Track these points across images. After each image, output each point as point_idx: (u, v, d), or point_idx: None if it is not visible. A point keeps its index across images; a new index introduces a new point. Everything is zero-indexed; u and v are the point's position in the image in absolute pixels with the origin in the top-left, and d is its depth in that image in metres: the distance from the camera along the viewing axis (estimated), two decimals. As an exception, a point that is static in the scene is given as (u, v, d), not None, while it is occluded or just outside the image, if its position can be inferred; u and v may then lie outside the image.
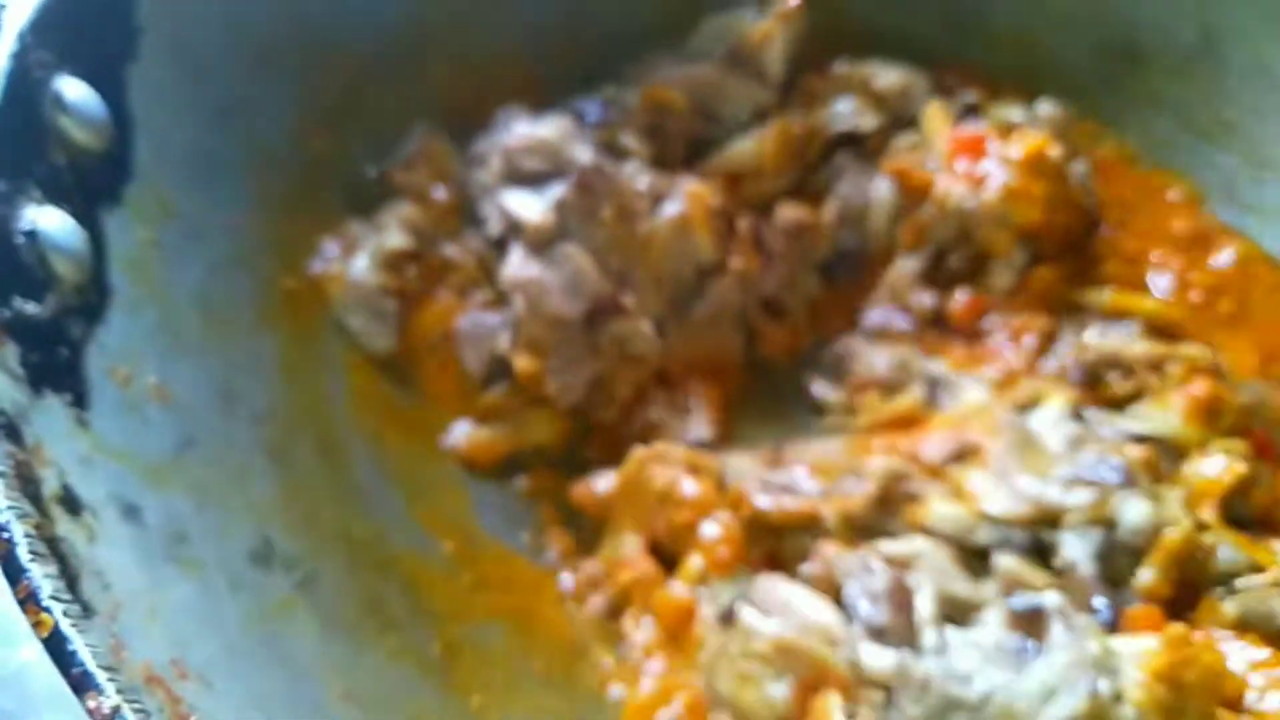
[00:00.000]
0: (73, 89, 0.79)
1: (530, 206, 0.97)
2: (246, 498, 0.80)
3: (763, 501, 0.87)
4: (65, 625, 0.58)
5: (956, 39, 1.18)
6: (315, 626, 0.76)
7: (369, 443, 0.92)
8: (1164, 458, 0.87)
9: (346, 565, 0.83)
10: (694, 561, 0.86)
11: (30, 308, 0.72)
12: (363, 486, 0.89)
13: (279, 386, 0.89)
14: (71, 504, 0.65)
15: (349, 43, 1.00)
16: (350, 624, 0.79)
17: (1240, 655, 0.77)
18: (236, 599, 0.72)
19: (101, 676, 0.58)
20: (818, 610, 0.79)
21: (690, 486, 0.88)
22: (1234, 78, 1.12)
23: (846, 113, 1.09)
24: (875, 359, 0.99)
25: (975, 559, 0.84)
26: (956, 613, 0.80)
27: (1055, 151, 1.01)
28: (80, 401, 0.72)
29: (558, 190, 0.97)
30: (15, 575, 0.59)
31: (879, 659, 0.76)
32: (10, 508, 0.61)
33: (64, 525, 0.63)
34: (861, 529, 0.86)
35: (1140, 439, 0.88)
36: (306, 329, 0.94)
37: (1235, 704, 0.74)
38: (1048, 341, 0.98)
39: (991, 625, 0.78)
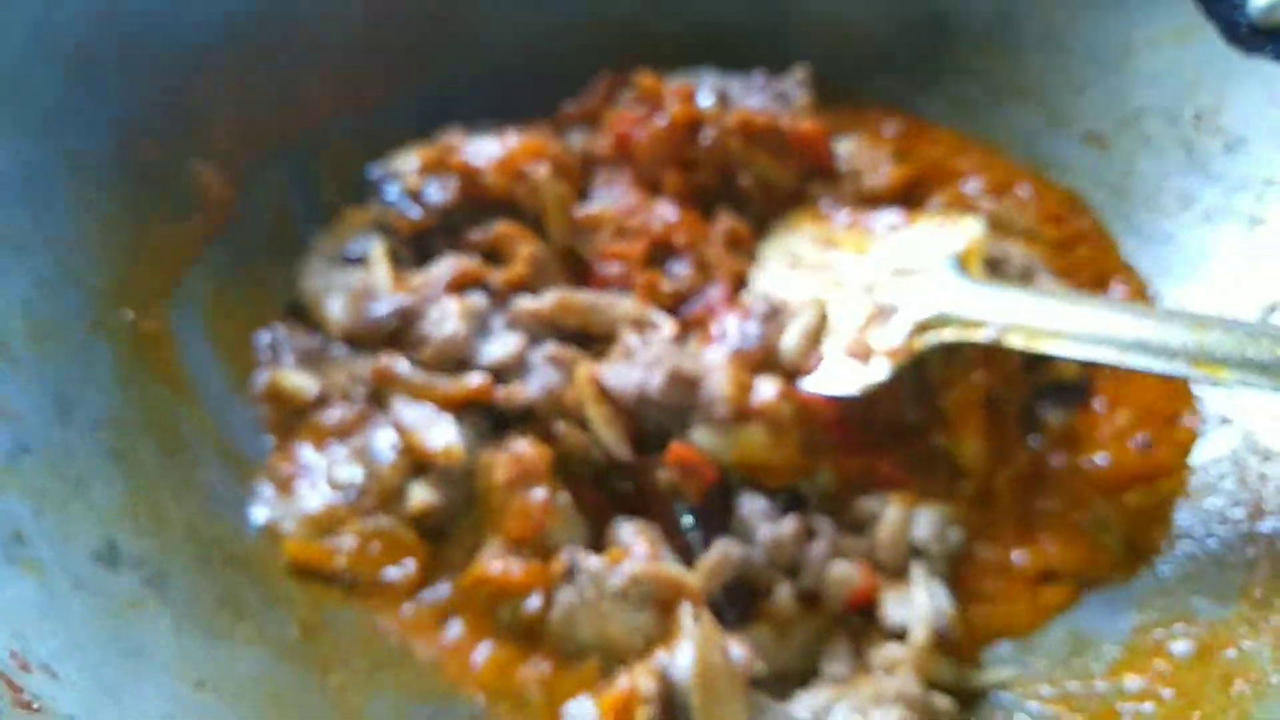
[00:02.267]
0: None
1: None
2: (88, 502, 0.80)
3: None
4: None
5: (771, 28, 1.25)
6: (167, 621, 0.77)
7: (213, 444, 0.92)
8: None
9: (197, 562, 0.83)
10: None
11: None
12: (210, 485, 0.90)
13: (117, 392, 0.89)
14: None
15: (166, 46, 0.99)
16: (203, 617, 0.79)
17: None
18: (81, 597, 0.72)
19: (-63, 670, 0.59)
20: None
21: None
22: (1030, 47, 1.21)
23: None
24: None
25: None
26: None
27: None
28: (-105, 413, 0.71)
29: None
30: None
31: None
32: None
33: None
34: None
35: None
36: (143, 338, 0.93)
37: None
38: None
39: None
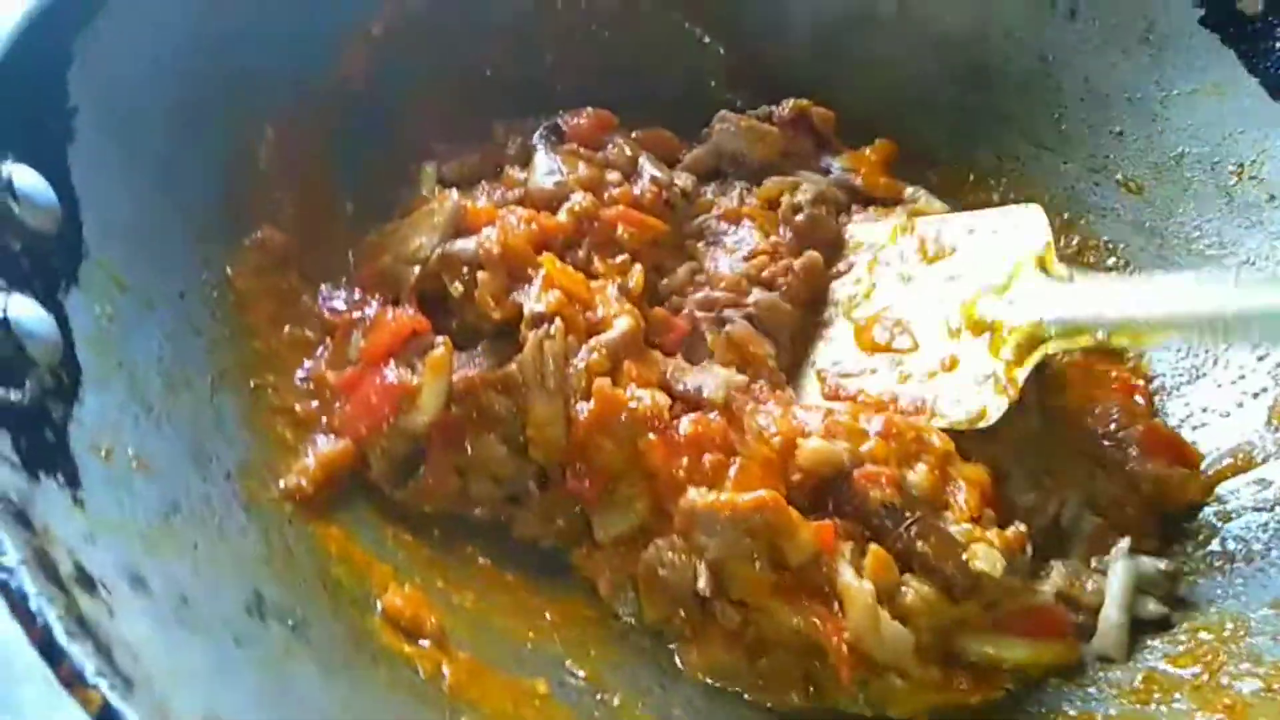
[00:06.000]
0: (21, 175, 0.81)
1: None
2: (233, 553, 0.84)
3: None
4: (114, 699, 0.62)
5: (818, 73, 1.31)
6: (315, 668, 0.81)
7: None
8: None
9: (330, 607, 0.87)
10: None
11: (13, 395, 0.74)
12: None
13: (243, 441, 0.93)
14: (87, 582, 0.69)
15: (274, 102, 1.04)
16: (345, 662, 0.84)
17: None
18: (245, 652, 0.76)
19: (162, 746, 0.63)
20: None
21: None
22: (1069, 96, 1.27)
23: None
24: None
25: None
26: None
27: None
28: (72, 481, 0.75)
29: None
30: (56, 657, 0.63)
31: None
32: (39, 593, 0.65)
33: (86, 603, 0.67)
34: None
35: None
36: (258, 388, 0.98)
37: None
38: None
39: None
